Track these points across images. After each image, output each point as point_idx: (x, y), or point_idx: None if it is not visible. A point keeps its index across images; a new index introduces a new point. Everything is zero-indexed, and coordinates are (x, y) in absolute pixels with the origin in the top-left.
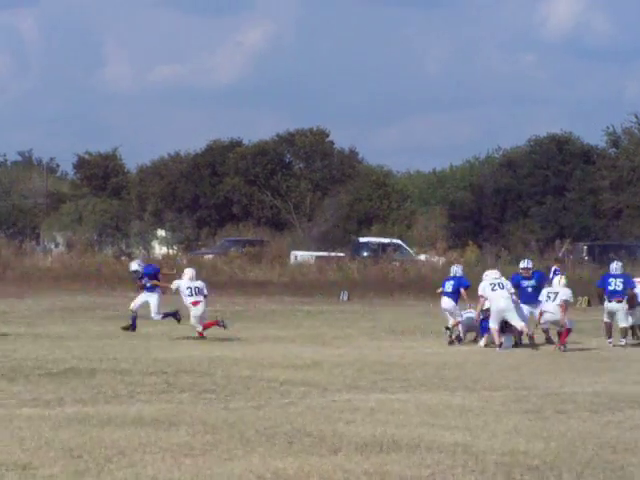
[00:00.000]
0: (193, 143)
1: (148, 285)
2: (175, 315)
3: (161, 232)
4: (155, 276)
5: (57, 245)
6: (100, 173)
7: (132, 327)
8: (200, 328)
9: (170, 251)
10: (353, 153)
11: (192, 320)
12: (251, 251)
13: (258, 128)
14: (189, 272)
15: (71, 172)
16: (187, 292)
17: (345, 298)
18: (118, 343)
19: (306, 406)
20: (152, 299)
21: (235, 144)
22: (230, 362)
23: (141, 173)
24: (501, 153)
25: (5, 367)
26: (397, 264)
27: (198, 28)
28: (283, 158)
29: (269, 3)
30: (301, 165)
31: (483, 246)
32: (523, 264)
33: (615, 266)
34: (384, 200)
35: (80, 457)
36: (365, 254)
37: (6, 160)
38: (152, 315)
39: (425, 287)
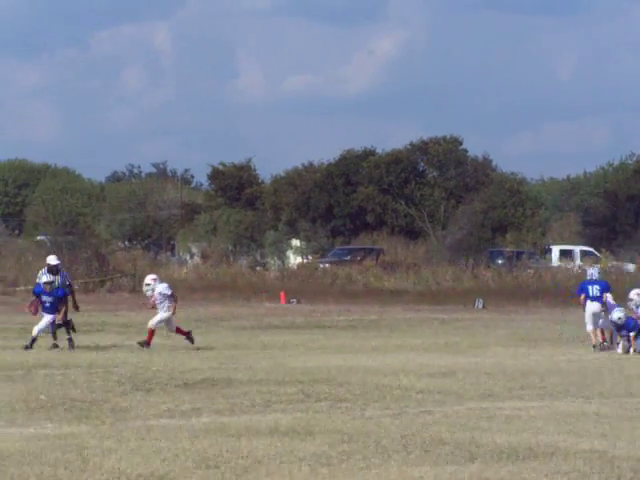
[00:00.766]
0: (327, 153)
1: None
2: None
3: (296, 242)
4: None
5: (192, 256)
6: (234, 184)
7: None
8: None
9: (304, 261)
10: (487, 160)
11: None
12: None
13: (391, 137)
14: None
15: (205, 183)
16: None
17: (480, 306)
18: (254, 353)
19: (442, 414)
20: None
21: (368, 153)
22: (366, 371)
23: (275, 183)
24: (635, 159)
25: (141, 378)
26: (531, 272)
27: (330, 38)
28: (417, 166)
29: (401, 12)
30: (435, 173)
31: (617, 252)
32: None
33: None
34: (518, 207)
35: (217, 467)
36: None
37: (141, 172)
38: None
39: (560, 294)
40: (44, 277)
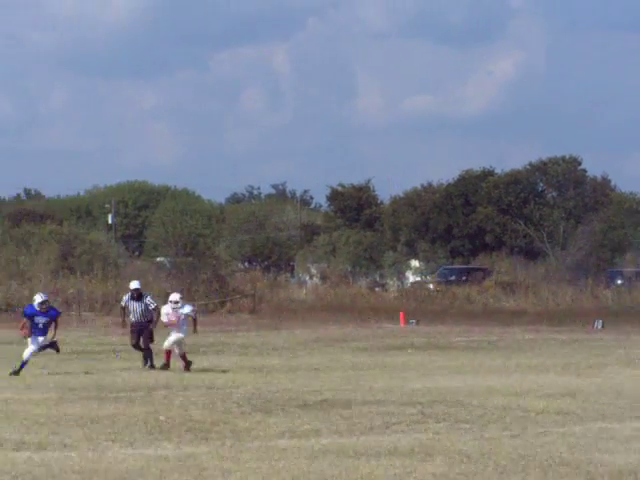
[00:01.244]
0: (445, 173)
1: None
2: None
3: (414, 262)
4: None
5: (311, 277)
6: (353, 205)
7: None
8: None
9: (412, 282)
10: (606, 180)
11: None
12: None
13: (510, 157)
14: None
15: (325, 204)
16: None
17: (599, 326)
18: (373, 374)
19: (561, 435)
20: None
21: (487, 173)
22: (485, 391)
23: (394, 204)
24: None
25: (261, 399)
26: None
27: (449, 58)
28: (535, 187)
29: (519, 32)
30: (554, 193)
31: None
32: None
33: None
34: (638, 227)
35: None
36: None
37: (260, 193)
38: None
39: None
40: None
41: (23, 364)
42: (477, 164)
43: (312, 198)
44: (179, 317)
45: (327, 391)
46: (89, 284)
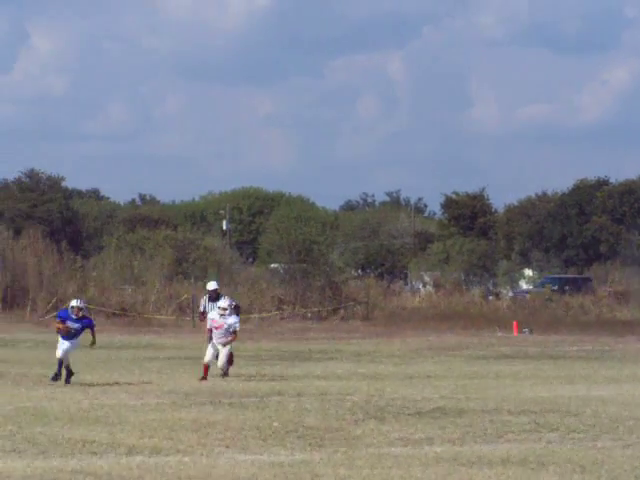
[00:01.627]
0: (560, 182)
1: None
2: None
3: (528, 271)
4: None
5: (425, 285)
6: (467, 213)
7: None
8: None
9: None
10: None
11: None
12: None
13: (625, 166)
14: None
15: (439, 212)
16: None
17: None
18: (486, 382)
19: None
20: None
21: (602, 183)
22: (598, 401)
23: (508, 213)
24: None
25: (375, 406)
26: None
27: (563, 67)
28: None
29: (635, 41)
30: None
31: None
32: None
33: None
34: None
35: None
36: None
37: (374, 200)
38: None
39: None
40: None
41: (60, 365)
42: (592, 173)
43: (426, 206)
44: (223, 325)
45: (440, 399)
46: (203, 290)
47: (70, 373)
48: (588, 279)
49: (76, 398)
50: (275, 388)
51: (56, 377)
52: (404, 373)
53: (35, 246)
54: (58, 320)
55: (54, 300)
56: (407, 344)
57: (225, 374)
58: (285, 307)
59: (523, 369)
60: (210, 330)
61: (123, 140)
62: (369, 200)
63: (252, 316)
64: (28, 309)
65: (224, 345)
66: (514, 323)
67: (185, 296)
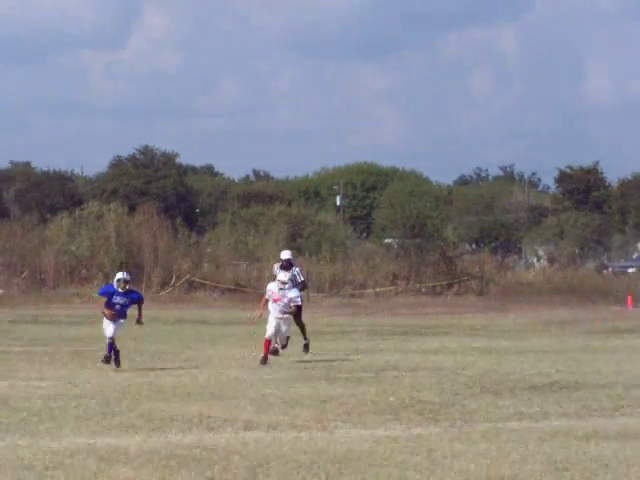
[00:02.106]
0: None
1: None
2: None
3: None
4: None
5: (539, 259)
6: (581, 187)
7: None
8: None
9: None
10: None
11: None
12: None
13: None
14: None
15: (552, 186)
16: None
17: None
18: (601, 357)
19: None
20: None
21: None
22: None
23: (622, 186)
24: None
25: (490, 381)
26: None
27: None
28: None
29: None
30: None
31: None
32: None
33: None
34: None
35: (566, 470)
36: None
37: (488, 175)
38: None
39: None
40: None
41: (110, 349)
42: None
43: (540, 180)
44: (282, 298)
45: (556, 373)
46: (317, 265)
47: (117, 353)
48: None
49: (193, 373)
50: (390, 363)
51: (108, 360)
52: (519, 347)
53: (150, 223)
54: (103, 299)
55: (169, 276)
56: (521, 318)
57: (283, 347)
58: (399, 282)
59: (638, 343)
60: (266, 302)
61: (237, 116)
62: (483, 174)
63: (367, 291)
64: (143, 285)
65: (283, 320)
66: (628, 297)
67: None
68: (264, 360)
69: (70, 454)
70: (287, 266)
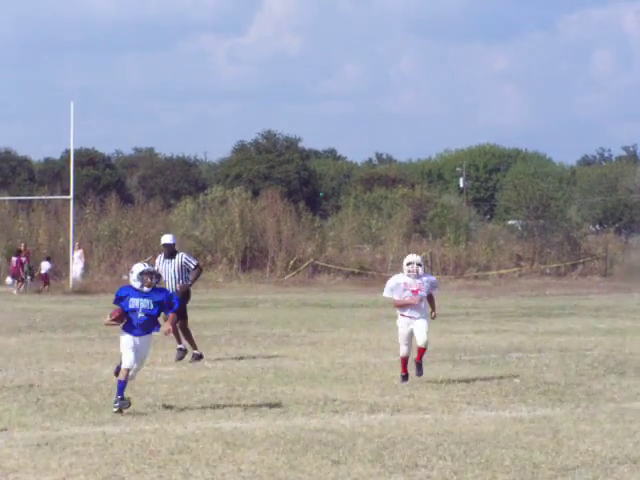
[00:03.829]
0: None
1: None
2: None
3: None
4: None
5: None
6: None
7: None
8: None
9: None
10: None
11: None
12: None
13: None
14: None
15: None
16: None
17: None
18: None
19: None
20: None
21: None
22: None
23: None
24: None
25: (615, 361)
26: None
27: None
28: None
29: None
30: None
31: None
32: None
33: None
34: None
35: None
36: None
37: (611, 155)
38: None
39: None
40: None
41: (122, 388)
42: None
43: None
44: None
45: None
46: (441, 247)
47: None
48: None
49: (317, 357)
50: (515, 345)
51: (122, 404)
52: None
53: (273, 207)
54: (114, 307)
55: (293, 260)
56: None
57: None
58: (523, 264)
59: None
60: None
61: (359, 99)
62: (606, 155)
63: (490, 273)
64: (267, 269)
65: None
66: None
67: (423, 254)
68: (403, 378)
69: (195, 439)
70: (171, 253)
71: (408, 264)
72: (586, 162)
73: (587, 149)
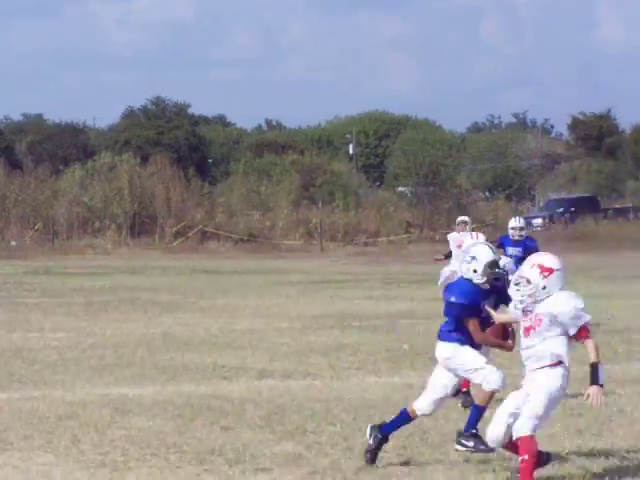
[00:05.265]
0: None
1: None
2: None
3: None
4: None
5: None
6: (594, 133)
7: None
8: None
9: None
10: None
11: None
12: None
13: None
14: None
15: (565, 133)
16: None
17: None
18: (617, 303)
19: None
20: None
21: None
22: None
23: (635, 133)
24: None
25: None
26: None
27: None
28: None
29: None
30: None
31: None
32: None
33: None
34: None
35: (580, 416)
36: None
37: (501, 122)
38: None
39: None
40: None
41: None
42: None
43: (553, 127)
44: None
45: None
46: (330, 214)
47: None
48: (595, 199)
49: (206, 324)
50: (404, 311)
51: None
52: None
53: (162, 173)
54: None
55: (181, 225)
56: None
57: None
58: (413, 230)
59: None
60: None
61: (249, 66)
62: (496, 122)
63: (380, 240)
64: (156, 236)
65: None
66: None
67: (314, 221)
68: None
69: (84, 405)
70: None
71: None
72: (476, 129)
73: (477, 116)
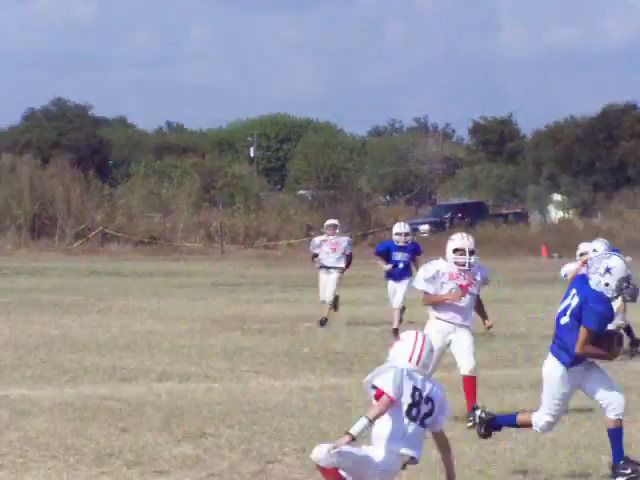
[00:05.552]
0: (588, 107)
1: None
2: None
3: (557, 196)
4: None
5: None
6: (495, 138)
7: None
8: None
9: (566, 215)
10: None
11: None
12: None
13: None
14: None
15: (466, 137)
16: None
17: None
18: (516, 307)
19: None
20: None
21: (631, 107)
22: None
23: (536, 138)
24: None
25: (403, 330)
26: None
27: None
28: None
29: None
30: None
31: None
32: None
33: None
34: None
35: None
36: None
37: (402, 126)
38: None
39: None
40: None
41: None
42: (621, 98)
43: (454, 131)
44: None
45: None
46: (231, 217)
47: None
48: (483, 204)
49: (106, 325)
50: (304, 314)
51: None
52: None
53: (63, 175)
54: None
55: (81, 228)
56: None
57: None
58: (313, 233)
59: (552, 293)
60: None
61: (150, 68)
62: (397, 126)
63: (280, 243)
64: (56, 238)
65: None
66: (543, 248)
67: (214, 223)
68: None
69: None
70: None
71: (456, 250)
72: (377, 133)
73: (378, 120)
